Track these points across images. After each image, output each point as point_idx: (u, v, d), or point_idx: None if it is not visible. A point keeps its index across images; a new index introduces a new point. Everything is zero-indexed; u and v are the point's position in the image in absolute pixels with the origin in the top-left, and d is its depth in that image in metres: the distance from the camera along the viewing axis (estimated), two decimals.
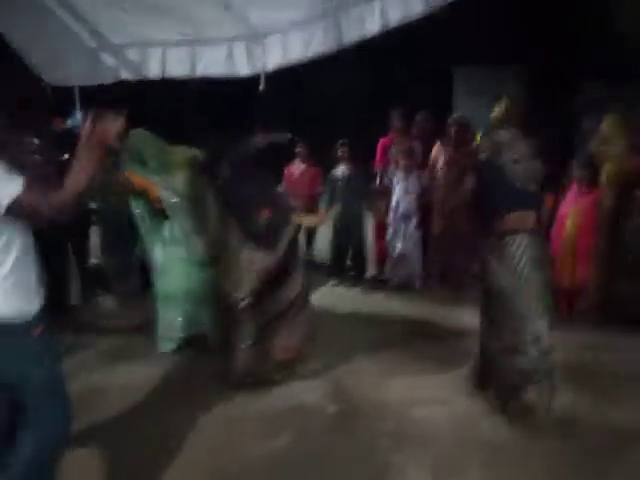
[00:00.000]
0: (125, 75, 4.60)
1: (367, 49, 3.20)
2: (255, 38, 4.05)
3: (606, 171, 4.61)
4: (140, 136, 3.78)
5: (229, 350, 3.34)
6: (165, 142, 3.88)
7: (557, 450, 2.70)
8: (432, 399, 3.20)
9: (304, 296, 3.54)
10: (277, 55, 4.03)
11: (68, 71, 4.66)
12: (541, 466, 2.59)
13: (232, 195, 3.36)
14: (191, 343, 3.80)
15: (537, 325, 2.86)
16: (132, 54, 4.51)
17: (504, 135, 3.11)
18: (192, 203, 3.70)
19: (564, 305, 4.52)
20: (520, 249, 2.90)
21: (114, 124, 1.85)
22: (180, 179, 3.69)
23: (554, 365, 2.91)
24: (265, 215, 3.34)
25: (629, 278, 4.51)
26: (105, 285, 4.90)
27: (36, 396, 1.92)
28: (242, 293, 3.24)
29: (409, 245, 5.25)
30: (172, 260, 3.71)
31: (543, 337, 2.86)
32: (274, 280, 3.35)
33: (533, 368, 2.84)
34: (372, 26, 2.97)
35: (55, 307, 2.86)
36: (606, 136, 4.83)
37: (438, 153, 5.28)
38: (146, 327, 3.93)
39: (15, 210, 1.77)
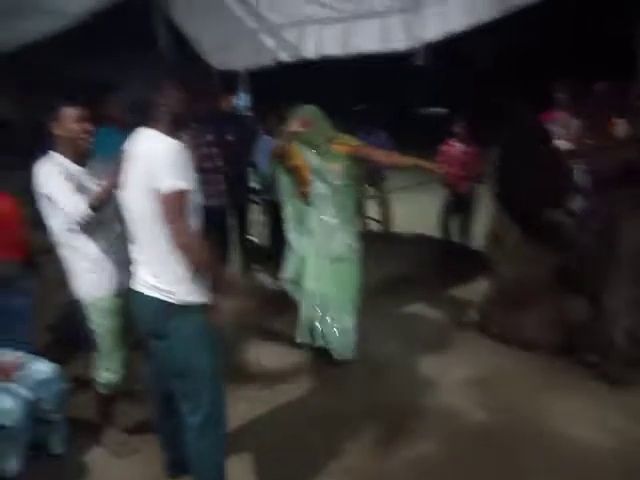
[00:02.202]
0: (283, 57, 4.67)
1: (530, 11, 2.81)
2: (413, 10, 3.84)
3: None
4: (312, 111, 3.40)
5: None
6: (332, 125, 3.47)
7: None
8: (592, 419, 2.83)
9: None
10: (437, 27, 3.78)
11: (233, 55, 4.87)
12: None
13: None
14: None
15: None
16: (290, 34, 4.56)
17: None
18: (343, 196, 3.40)
19: None
20: None
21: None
22: (338, 171, 3.36)
23: None
24: None
25: None
26: (261, 261, 5.11)
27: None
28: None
29: None
30: (314, 255, 3.42)
31: None
32: None
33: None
34: None
35: None
36: None
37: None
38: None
39: (168, 201, 1.85)
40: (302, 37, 4.48)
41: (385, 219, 5.95)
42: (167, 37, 4.98)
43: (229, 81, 5.41)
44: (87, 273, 2.45)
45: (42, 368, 2.61)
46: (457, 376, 3.26)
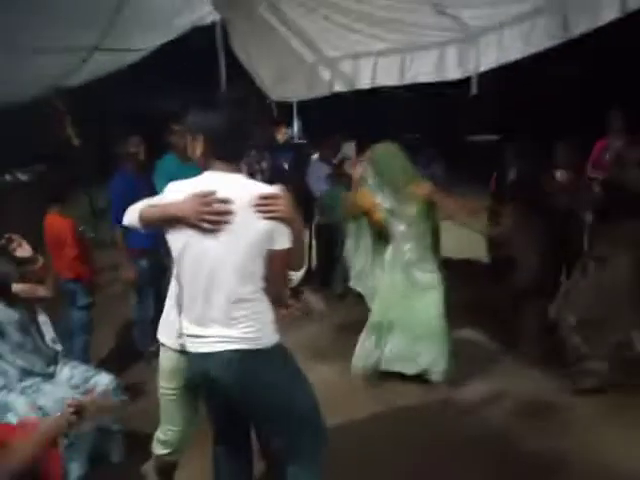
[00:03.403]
0: (338, 87, 4.79)
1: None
2: (469, 40, 3.88)
3: None
4: (386, 151, 3.48)
5: None
6: (407, 163, 3.50)
7: None
8: None
9: None
10: (492, 55, 3.80)
11: (290, 87, 5.04)
12: None
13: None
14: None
15: None
16: (345, 66, 4.69)
17: None
18: (419, 231, 3.45)
19: None
20: None
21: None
22: (413, 211, 3.40)
23: None
24: None
25: None
26: (311, 286, 5.19)
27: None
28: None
29: None
30: (390, 287, 3.47)
31: None
32: None
33: None
34: (609, 12, 2.57)
35: None
36: None
37: None
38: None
39: (280, 258, 1.86)
40: (357, 68, 4.59)
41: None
42: (227, 71, 5.24)
43: (284, 111, 5.62)
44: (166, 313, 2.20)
45: (102, 380, 2.72)
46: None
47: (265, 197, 1.80)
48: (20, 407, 2.44)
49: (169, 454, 2.31)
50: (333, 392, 3.33)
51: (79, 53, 5.18)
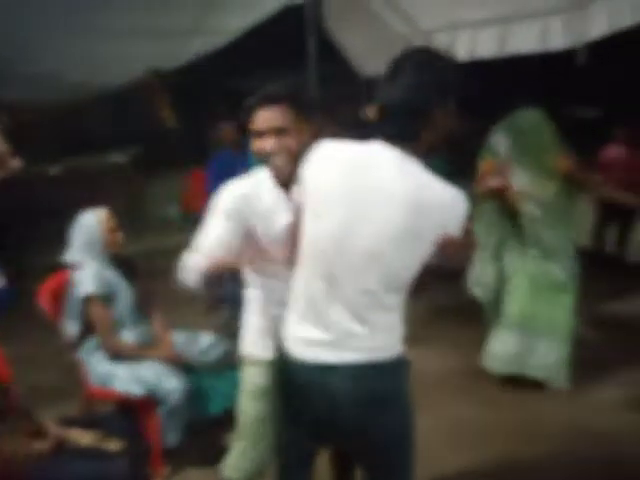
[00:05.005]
0: None
1: None
2: (576, 8, 3.57)
3: None
4: (533, 120, 3.07)
5: None
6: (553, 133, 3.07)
7: None
8: None
9: None
10: (602, 22, 3.48)
11: (382, 61, 4.90)
12: None
13: None
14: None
15: None
16: (441, 38, 4.49)
17: None
18: (559, 215, 3.08)
19: None
20: None
21: None
22: (551, 190, 3.01)
23: None
24: None
25: None
26: None
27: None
28: None
29: None
30: (524, 279, 3.10)
31: None
32: None
33: None
34: None
35: None
36: None
37: None
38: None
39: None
40: (454, 40, 4.38)
41: None
42: (316, 47, 5.20)
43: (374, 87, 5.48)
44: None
45: (204, 341, 2.83)
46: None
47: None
48: (122, 377, 2.55)
49: None
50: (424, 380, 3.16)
51: (174, 36, 5.35)
